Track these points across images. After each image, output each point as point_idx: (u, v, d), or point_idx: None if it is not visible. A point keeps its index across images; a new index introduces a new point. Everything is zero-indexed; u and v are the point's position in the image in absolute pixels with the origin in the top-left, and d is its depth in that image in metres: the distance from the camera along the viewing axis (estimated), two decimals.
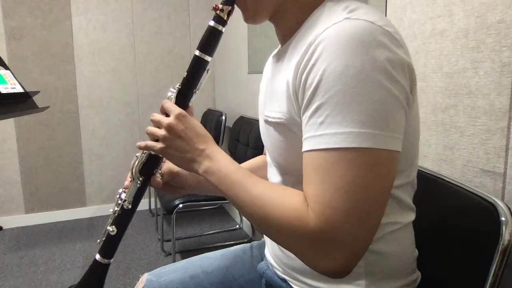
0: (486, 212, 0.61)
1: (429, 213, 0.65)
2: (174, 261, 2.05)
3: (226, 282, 0.80)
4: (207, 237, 2.57)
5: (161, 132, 0.62)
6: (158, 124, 0.63)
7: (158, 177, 0.71)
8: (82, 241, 2.48)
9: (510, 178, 0.76)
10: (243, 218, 2.70)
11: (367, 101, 0.46)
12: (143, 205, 3.02)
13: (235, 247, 0.89)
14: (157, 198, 2.36)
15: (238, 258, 0.84)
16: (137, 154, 0.69)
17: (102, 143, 2.91)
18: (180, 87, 0.66)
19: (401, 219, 0.60)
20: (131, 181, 0.69)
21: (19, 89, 1.39)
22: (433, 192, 0.65)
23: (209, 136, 0.63)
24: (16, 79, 1.41)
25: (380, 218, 0.48)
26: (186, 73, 0.65)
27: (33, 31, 2.63)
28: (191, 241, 2.51)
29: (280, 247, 0.68)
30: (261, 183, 0.55)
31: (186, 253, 2.34)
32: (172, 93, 0.66)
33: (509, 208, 0.59)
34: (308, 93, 0.49)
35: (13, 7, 2.56)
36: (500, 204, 0.60)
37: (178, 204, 1.94)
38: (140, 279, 0.83)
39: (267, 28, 2.06)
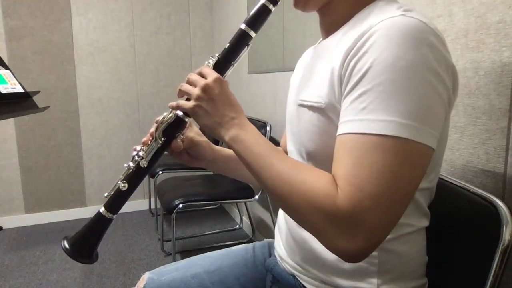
0: (486, 212, 0.62)
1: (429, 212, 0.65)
2: (174, 261, 2.04)
3: (228, 281, 0.80)
4: (207, 237, 2.57)
5: (196, 91, 0.61)
6: (194, 83, 0.63)
7: (179, 142, 0.70)
8: None
9: (510, 178, 0.76)
10: (243, 218, 2.70)
11: (413, 94, 0.47)
12: (143, 205, 3.02)
13: (237, 246, 0.89)
14: (157, 198, 2.36)
15: (240, 257, 0.84)
16: (163, 115, 0.68)
17: (102, 143, 2.91)
18: (219, 57, 0.66)
19: (416, 222, 0.61)
20: (151, 139, 0.69)
21: (19, 89, 1.39)
22: None
23: (241, 108, 0.64)
24: (16, 79, 1.41)
25: (404, 210, 0.49)
26: (228, 44, 0.65)
27: (33, 31, 2.63)
28: (191, 241, 2.51)
29: (295, 238, 0.68)
30: (289, 159, 0.56)
31: (186, 253, 2.34)
32: (210, 61, 0.66)
33: (509, 208, 0.59)
34: (355, 79, 0.50)
35: (13, 7, 2.56)
36: (500, 204, 0.60)
37: (178, 204, 1.94)
38: (142, 277, 0.83)
39: (267, 28, 2.07)
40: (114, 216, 0.69)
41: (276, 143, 0.90)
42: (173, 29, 3.00)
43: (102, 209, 0.68)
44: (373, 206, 0.46)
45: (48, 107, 1.63)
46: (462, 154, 0.87)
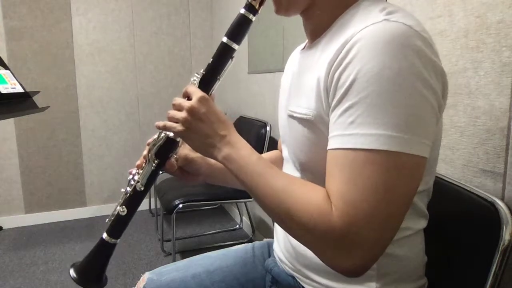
0: (486, 212, 0.62)
1: (429, 213, 0.65)
2: (174, 261, 2.04)
3: (228, 281, 0.80)
4: (207, 237, 2.57)
5: (182, 114, 0.60)
6: (179, 108, 0.62)
7: (173, 161, 0.70)
8: (82, 241, 2.48)
9: (510, 178, 0.76)
10: (243, 218, 2.70)
11: (401, 105, 0.45)
12: (143, 205, 3.01)
13: (236, 246, 0.89)
14: (157, 198, 2.36)
15: (240, 258, 0.84)
16: (154, 137, 0.68)
17: (102, 143, 2.91)
18: (204, 72, 0.65)
19: (414, 225, 0.61)
20: (145, 162, 0.69)
21: (19, 89, 1.39)
22: (433, 192, 0.66)
23: (231, 124, 0.62)
24: (16, 79, 1.41)
25: (400, 222, 0.48)
26: (211, 59, 0.64)
27: (33, 31, 2.62)
28: (191, 241, 2.51)
29: (292, 243, 0.68)
30: (283, 176, 0.55)
31: (186, 253, 2.34)
32: (195, 78, 0.65)
33: (509, 208, 0.59)
34: (341, 91, 0.49)
35: (13, 7, 2.56)
36: (500, 204, 0.60)
37: (178, 204, 1.94)
38: (142, 277, 0.83)
39: (267, 28, 2.07)
40: (118, 241, 0.70)
41: (276, 143, 0.90)
42: (173, 29, 3.00)
43: (104, 235, 0.69)
44: (369, 223, 0.45)
45: (48, 107, 1.63)
46: (462, 154, 0.87)
